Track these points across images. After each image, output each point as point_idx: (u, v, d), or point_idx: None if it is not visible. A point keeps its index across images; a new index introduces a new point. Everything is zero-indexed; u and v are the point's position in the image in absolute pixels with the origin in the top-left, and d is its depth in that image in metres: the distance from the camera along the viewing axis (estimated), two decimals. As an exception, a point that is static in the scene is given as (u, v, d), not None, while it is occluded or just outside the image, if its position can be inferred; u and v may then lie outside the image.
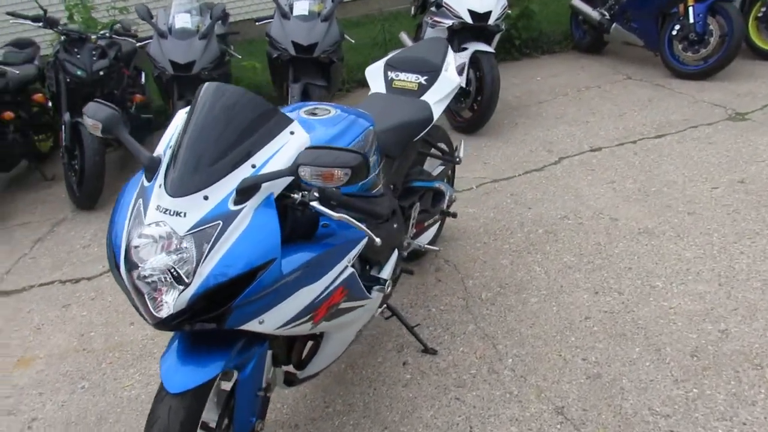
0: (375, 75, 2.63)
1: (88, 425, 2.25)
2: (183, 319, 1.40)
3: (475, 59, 4.33)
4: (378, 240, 1.61)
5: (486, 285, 2.73)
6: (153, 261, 1.38)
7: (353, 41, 4.59)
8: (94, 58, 4.20)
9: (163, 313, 1.38)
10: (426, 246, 2.57)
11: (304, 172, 1.35)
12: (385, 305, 2.31)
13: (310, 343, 1.94)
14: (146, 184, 1.49)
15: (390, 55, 2.68)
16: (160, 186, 1.43)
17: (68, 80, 4.15)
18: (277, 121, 1.52)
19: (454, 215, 2.89)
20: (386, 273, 2.00)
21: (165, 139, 1.58)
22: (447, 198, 2.76)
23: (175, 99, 4.28)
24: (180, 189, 1.40)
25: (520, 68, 5.85)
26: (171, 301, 1.37)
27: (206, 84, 1.53)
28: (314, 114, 1.89)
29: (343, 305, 1.74)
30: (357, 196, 1.80)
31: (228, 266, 1.37)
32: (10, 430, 2.28)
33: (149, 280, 1.38)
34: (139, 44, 4.52)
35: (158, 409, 1.47)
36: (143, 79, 5.03)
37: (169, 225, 1.38)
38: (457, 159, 2.70)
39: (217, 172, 1.42)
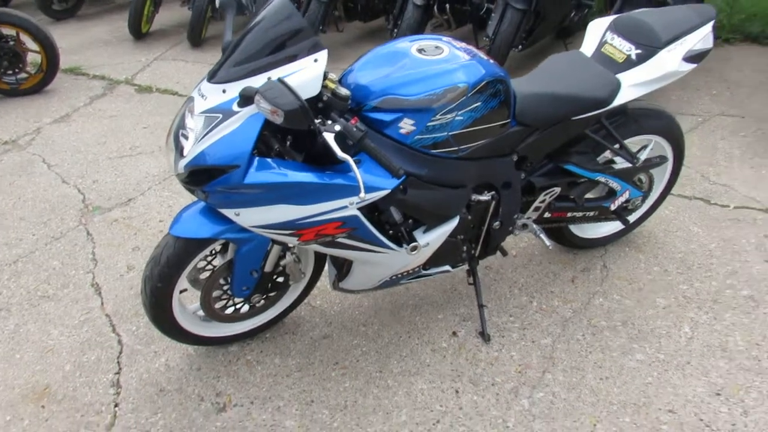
0: (595, 31, 2.22)
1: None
2: (188, 181, 1.67)
3: None
4: (357, 198, 1.59)
5: (610, 313, 2.30)
6: (187, 123, 1.65)
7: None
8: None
9: (176, 170, 1.67)
10: (540, 234, 2.25)
11: (259, 100, 1.39)
12: (468, 267, 2.22)
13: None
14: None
15: (623, 14, 2.20)
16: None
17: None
18: (307, 45, 1.55)
19: (625, 222, 2.41)
20: (426, 238, 1.90)
21: None
22: (620, 199, 2.32)
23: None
24: (213, 76, 1.60)
25: None
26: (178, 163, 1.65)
27: None
28: (422, 51, 1.79)
29: (344, 240, 1.77)
30: (406, 146, 1.72)
31: (207, 155, 1.56)
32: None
33: (179, 138, 1.67)
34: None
35: (162, 239, 1.85)
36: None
37: (195, 102, 1.62)
38: (635, 160, 2.18)
39: (240, 73, 1.56)
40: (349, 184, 1.65)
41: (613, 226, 2.60)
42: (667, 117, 2.32)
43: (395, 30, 4.54)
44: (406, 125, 1.70)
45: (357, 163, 1.66)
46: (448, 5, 4.74)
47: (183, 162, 1.61)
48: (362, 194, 1.56)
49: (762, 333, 2.18)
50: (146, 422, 1.94)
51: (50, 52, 4.38)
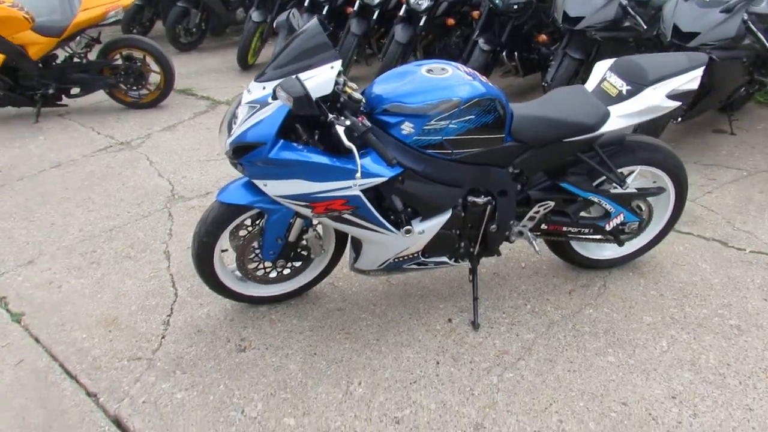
0: (599, 70, 2.53)
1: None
2: (232, 157, 2.15)
3: None
4: (355, 182, 2.00)
5: (596, 322, 2.52)
6: (237, 112, 2.14)
7: None
8: (516, -7, 4.81)
9: (224, 147, 2.16)
10: (533, 242, 2.53)
11: (279, 90, 1.85)
12: (470, 265, 2.55)
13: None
14: None
15: (623, 57, 2.50)
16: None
17: (491, 6, 4.93)
18: (328, 55, 2.00)
19: (620, 244, 2.64)
20: (421, 226, 2.26)
21: None
22: (614, 221, 2.57)
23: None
24: (258, 77, 2.09)
25: None
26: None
27: (315, 18, 2.10)
28: (430, 71, 2.20)
29: (349, 217, 2.18)
30: (406, 145, 2.12)
31: (244, 134, 2.04)
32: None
33: (231, 124, 2.17)
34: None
35: (210, 204, 2.34)
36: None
37: (243, 96, 2.12)
38: (623, 183, 2.43)
39: (276, 74, 2.04)
40: (353, 168, 2.06)
41: (616, 251, 2.81)
42: (664, 150, 2.55)
43: (465, 71, 4.99)
44: (407, 127, 2.10)
45: (364, 154, 2.08)
46: (516, 53, 5.13)
47: (229, 140, 2.10)
48: (358, 175, 1.96)
49: (736, 356, 2.32)
50: (182, 351, 2.40)
51: (168, 74, 5.20)
